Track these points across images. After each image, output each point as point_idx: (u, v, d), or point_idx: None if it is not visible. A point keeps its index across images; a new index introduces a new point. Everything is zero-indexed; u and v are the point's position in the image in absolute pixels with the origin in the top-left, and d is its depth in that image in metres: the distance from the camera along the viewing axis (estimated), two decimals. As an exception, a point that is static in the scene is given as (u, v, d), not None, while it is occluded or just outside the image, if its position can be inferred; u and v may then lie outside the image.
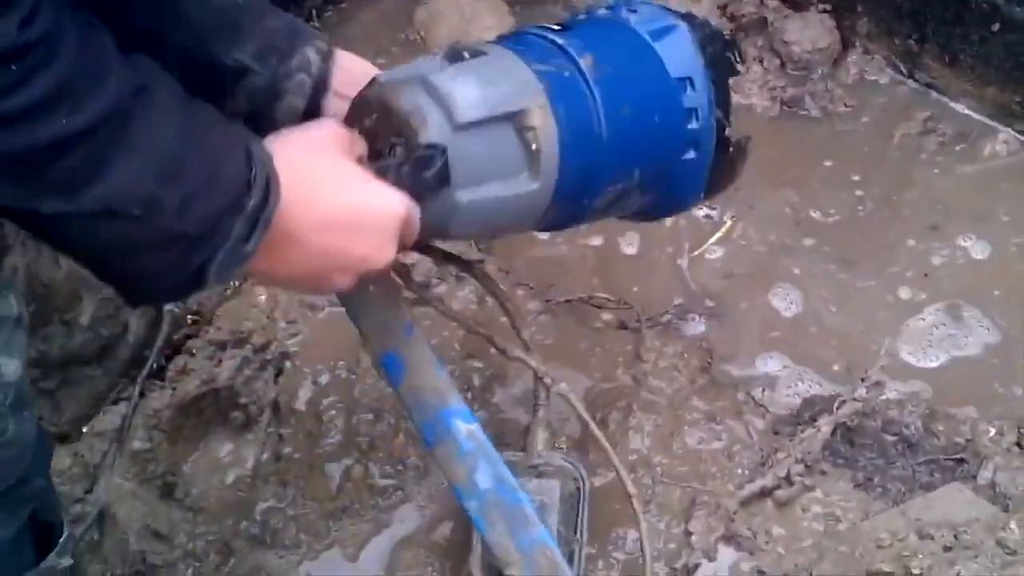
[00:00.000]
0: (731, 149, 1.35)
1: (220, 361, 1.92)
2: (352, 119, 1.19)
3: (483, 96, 1.14)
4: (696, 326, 1.97)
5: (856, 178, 2.21)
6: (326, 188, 1.06)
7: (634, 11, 1.33)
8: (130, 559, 1.72)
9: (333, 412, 1.88)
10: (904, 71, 2.40)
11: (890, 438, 1.75)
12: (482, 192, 1.16)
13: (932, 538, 1.56)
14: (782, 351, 1.92)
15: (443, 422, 1.34)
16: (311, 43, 1.23)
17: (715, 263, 2.06)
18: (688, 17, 1.34)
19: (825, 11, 2.45)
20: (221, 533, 1.77)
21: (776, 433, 1.79)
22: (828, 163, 2.26)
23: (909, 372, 1.88)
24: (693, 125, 1.31)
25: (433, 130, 1.12)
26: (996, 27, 2.18)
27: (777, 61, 2.45)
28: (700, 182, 1.37)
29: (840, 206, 2.17)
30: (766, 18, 2.50)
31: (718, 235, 2.10)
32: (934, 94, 2.36)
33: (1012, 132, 2.25)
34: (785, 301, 2.00)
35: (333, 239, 1.07)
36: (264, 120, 1.20)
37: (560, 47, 1.23)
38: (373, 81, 1.19)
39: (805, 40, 2.43)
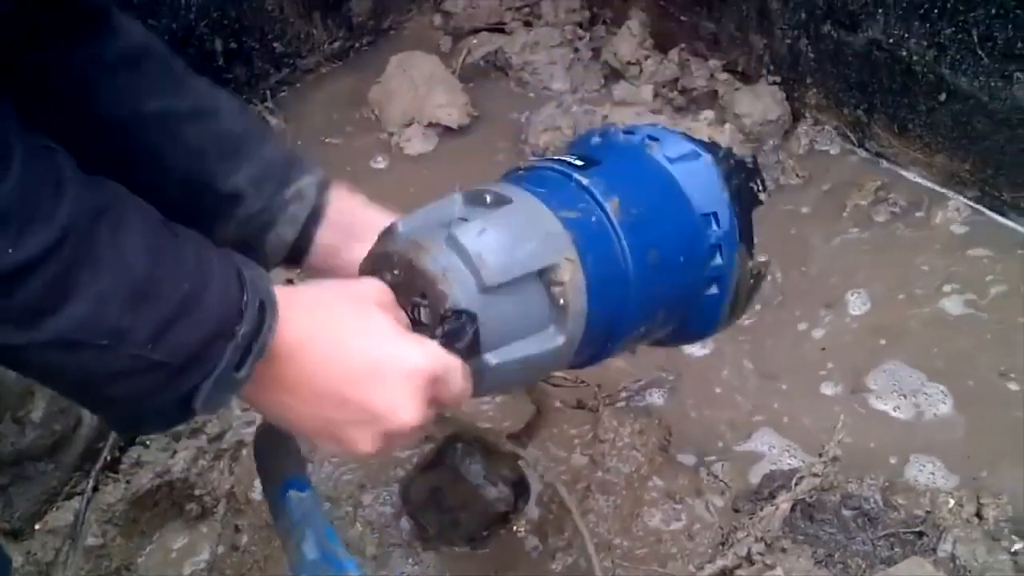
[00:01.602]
0: (752, 280, 1.33)
1: (175, 452, 1.91)
2: (371, 270, 1.15)
3: (512, 255, 1.11)
4: (655, 401, 1.96)
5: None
6: (345, 329, 1.03)
7: (656, 139, 1.30)
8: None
9: (292, 502, 1.86)
10: (854, 141, 2.42)
11: (849, 512, 1.74)
12: (509, 353, 1.13)
13: (895, 613, 1.55)
14: (740, 427, 1.92)
15: (281, 494, 1.28)
16: (309, 173, 1.23)
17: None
18: (712, 147, 1.30)
19: (775, 83, 2.48)
20: None
21: (736, 511, 1.78)
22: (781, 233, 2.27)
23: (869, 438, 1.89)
24: (717, 261, 1.28)
25: (462, 295, 1.09)
26: (943, 97, 2.20)
27: (728, 136, 2.47)
28: (719, 314, 1.34)
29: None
30: (717, 91, 2.53)
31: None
32: (884, 163, 2.38)
33: (962, 199, 2.27)
34: (739, 374, 2.01)
35: (347, 384, 1.02)
36: (251, 249, 1.18)
37: (585, 188, 1.21)
38: (392, 231, 1.16)
39: (756, 112, 2.45)
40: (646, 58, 2.66)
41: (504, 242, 1.12)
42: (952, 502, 1.75)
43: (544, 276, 1.14)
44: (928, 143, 2.29)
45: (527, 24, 2.86)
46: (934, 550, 1.68)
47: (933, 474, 1.84)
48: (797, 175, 2.40)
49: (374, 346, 1.03)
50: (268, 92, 2.73)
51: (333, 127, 2.69)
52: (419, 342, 1.06)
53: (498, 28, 2.87)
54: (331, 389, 1.01)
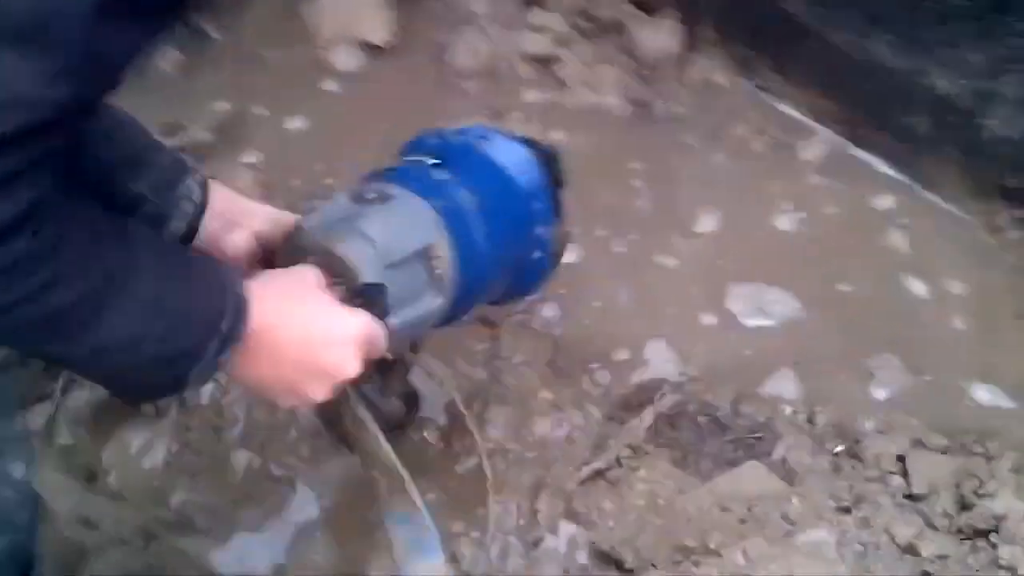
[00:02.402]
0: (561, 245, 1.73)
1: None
2: (287, 261, 1.45)
3: (404, 238, 1.47)
4: (548, 315, 2.26)
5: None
6: (299, 310, 1.34)
7: (485, 138, 1.67)
8: (65, 545, 1.98)
9: (235, 407, 2.14)
10: (742, 75, 2.70)
11: (703, 420, 2.07)
12: (405, 315, 1.47)
13: (731, 512, 1.88)
14: (618, 341, 2.23)
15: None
16: (192, 175, 1.52)
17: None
18: (529, 142, 1.69)
19: (674, 17, 2.73)
20: (142, 520, 2.01)
21: (610, 419, 2.10)
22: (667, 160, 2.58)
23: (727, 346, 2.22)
24: (540, 232, 1.68)
25: (371, 272, 1.42)
26: (818, 46, 2.49)
27: (630, 62, 2.74)
28: (542, 273, 1.75)
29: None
30: (621, 21, 2.78)
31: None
32: (766, 96, 2.67)
33: (829, 133, 2.57)
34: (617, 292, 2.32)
35: (303, 351, 1.33)
36: None
37: (443, 182, 1.56)
38: (300, 229, 1.48)
39: (655, 43, 2.71)
40: (559, -16, 2.89)
41: (397, 228, 1.47)
42: (789, 410, 2.09)
43: (425, 254, 1.50)
44: (803, 83, 2.58)
45: (451, -57, 3.06)
46: (769, 454, 2.02)
47: (778, 384, 2.15)
48: (687, 105, 2.67)
49: (321, 320, 1.36)
50: (205, 2, 2.91)
51: (268, 40, 2.88)
52: (353, 313, 1.39)
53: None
54: (292, 357, 1.34)
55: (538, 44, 2.79)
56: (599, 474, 1.99)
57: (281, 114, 2.74)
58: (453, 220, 1.53)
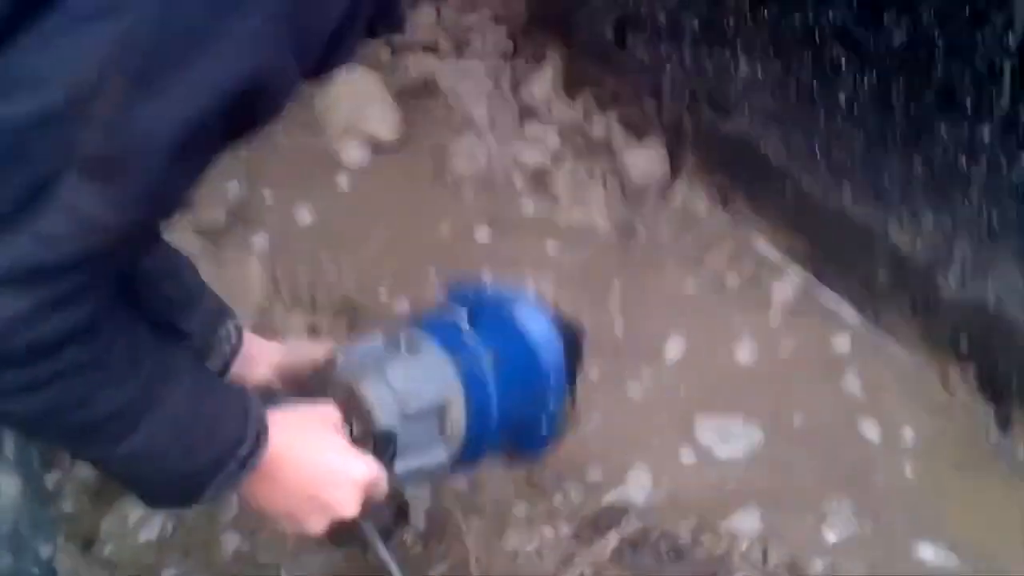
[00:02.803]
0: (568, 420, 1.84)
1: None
2: (316, 389, 1.59)
3: (423, 393, 1.59)
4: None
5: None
6: (312, 446, 1.45)
7: (520, 307, 1.75)
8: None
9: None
10: (720, 205, 2.88)
11: (664, 547, 2.23)
12: (410, 464, 1.59)
13: (683, 638, 2.06)
14: (596, 460, 2.40)
15: None
16: (231, 320, 1.67)
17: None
18: (558, 320, 1.78)
19: (660, 144, 2.92)
20: None
21: (577, 537, 2.26)
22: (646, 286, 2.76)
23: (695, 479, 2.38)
24: (551, 407, 1.75)
25: (388, 419, 1.55)
26: (789, 188, 2.68)
27: (617, 183, 2.92)
28: (544, 443, 1.83)
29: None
30: (611, 142, 2.97)
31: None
32: (741, 229, 2.85)
33: (797, 271, 2.76)
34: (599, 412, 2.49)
35: (309, 486, 1.44)
36: None
37: (470, 342, 1.67)
38: (334, 363, 1.62)
39: (641, 166, 2.90)
40: (556, 101, 3.07)
41: (419, 382, 1.60)
42: (745, 544, 2.25)
43: (440, 411, 1.62)
44: (777, 221, 2.76)
45: (458, 48, 3.24)
46: (725, 585, 2.19)
47: (737, 518, 2.30)
48: (668, 230, 2.86)
49: (332, 459, 1.48)
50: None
51: (280, 125, 3.04)
52: (362, 457, 1.51)
53: (432, 48, 3.25)
54: (299, 489, 1.46)
55: (533, 156, 2.98)
56: (564, 590, 2.15)
57: (290, 202, 2.92)
58: (472, 384, 1.65)
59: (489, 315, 1.75)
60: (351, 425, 1.56)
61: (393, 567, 1.68)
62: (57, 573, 1.55)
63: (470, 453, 1.69)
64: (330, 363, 1.64)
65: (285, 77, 1.15)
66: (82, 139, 1.04)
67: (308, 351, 1.75)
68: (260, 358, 1.72)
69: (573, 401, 1.81)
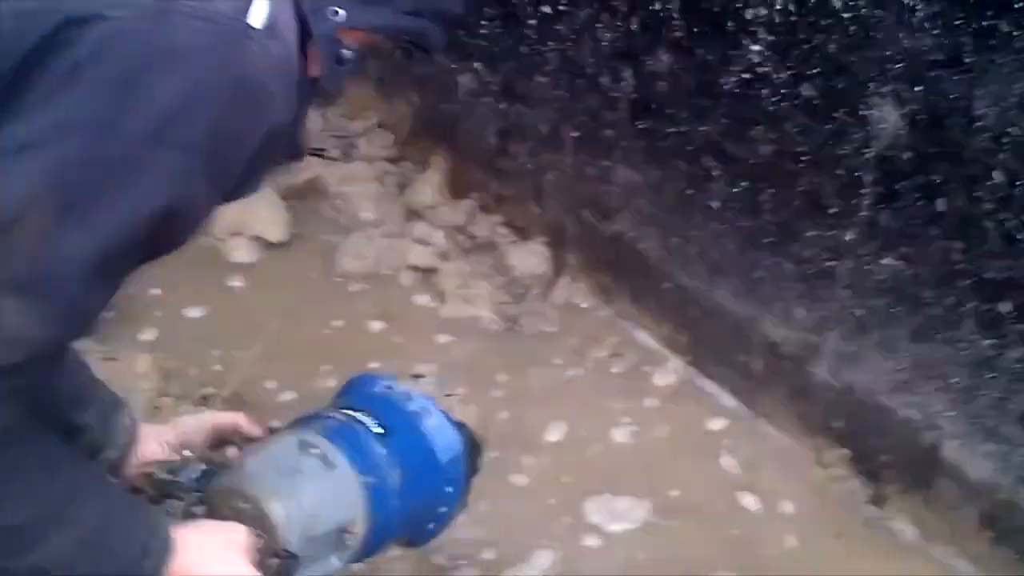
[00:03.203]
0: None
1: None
2: (223, 497, 1.60)
3: (331, 513, 1.63)
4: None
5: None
6: (213, 567, 1.47)
7: (427, 415, 1.81)
8: None
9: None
10: (603, 301, 3.02)
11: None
12: (307, 571, 1.63)
13: None
14: (489, 543, 2.46)
15: None
16: (125, 411, 1.71)
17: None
18: (462, 428, 1.85)
19: (543, 243, 3.05)
20: None
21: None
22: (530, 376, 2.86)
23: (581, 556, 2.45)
24: (443, 510, 1.83)
25: (294, 540, 1.58)
26: (668, 285, 2.82)
27: (502, 280, 3.04)
28: (425, 540, 1.90)
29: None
30: (495, 242, 3.09)
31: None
32: (624, 322, 2.99)
33: (680, 361, 2.89)
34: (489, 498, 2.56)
35: None
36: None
37: (381, 457, 1.71)
38: (243, 468, 1.63)
39: (525, 265, 3.03)
40: (442, 204, 3.19)
41: (328, 506, 1.64)
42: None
43: (343, 528, 1.66)
44: (657, 315, 2.91)
45: (345, 152, 3.35)
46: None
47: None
48: (553, 324, 2.97)
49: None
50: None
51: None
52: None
53: (318, 153, 3.33)
54: None
55: (420, 256, 3.08)
56: None
57: (178, 299, 2.96)
58: (377, 501, 1.70)
59: (399, 430, 1.81)
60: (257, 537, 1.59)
61: None
62: None
63: (363, 555, 1.76)
64: (240, 467, 1.66)
65: (200, 204, 1.24)
66: (6, 263, 1.12)
67: (196, 421, 1.79)
68: (153, 438, 1.75)
69: (464, 502, 1.89)
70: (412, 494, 1.77)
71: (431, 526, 1.87)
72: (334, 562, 1.70)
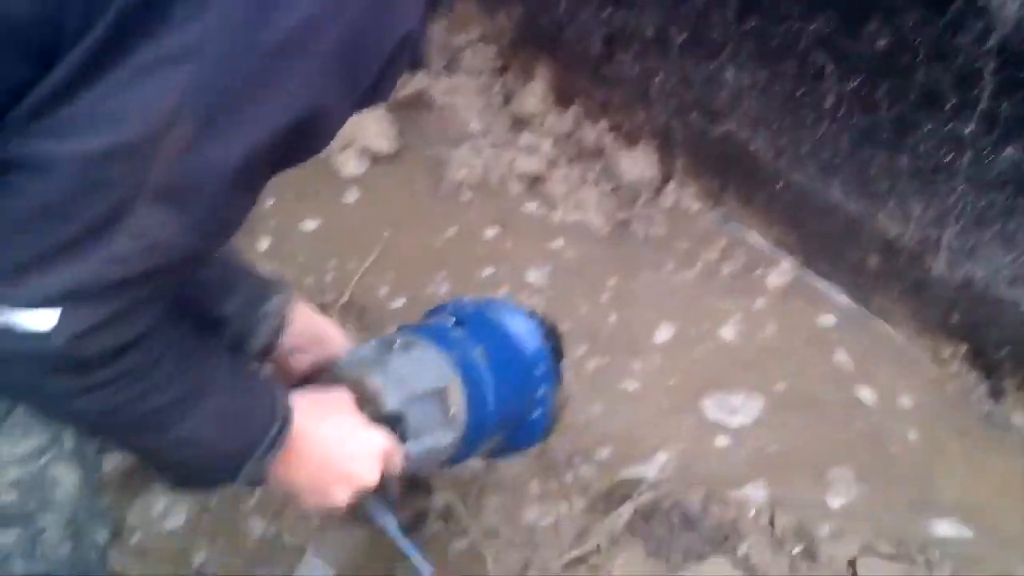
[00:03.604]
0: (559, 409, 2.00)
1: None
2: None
3: (423, 378, 1.71)
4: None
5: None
6: (332, 424, 1.57)
7: (498, 309, 1.94)
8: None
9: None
10: (711, 204, 3.00)
11: (676, 516, 2.31)
12: (420, 444, 1.71)
13: (696, 601, 2.13)
14: (606, 439, 2.49)
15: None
16: (277, 295, 1.77)
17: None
18: (534, 315, 1.95)
19: (651, 147, 3.04)
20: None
21: (592, 511, 2.34)
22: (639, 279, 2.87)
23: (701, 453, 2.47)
24: (540, 393, 1.92)
25: (394, 403, 1.66)
26: (780, 185, 2.79)
27: (611, 186, 3.03)
28: (539, 433, 1.98)
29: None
30: (603, 148, 3.08)
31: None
32: (733, 225, 2.98)
33: (791, 262, 2.87)
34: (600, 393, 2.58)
35: (331, 459, 1.56)
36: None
37: (460, 339, 1.81)
38: (338, 364, 1.73)
39: (633, 171, 3.01)
40: (547, 112, 3.19)
41: (418, 370, 1.73)
42: (753, 512, 2.34)
43: (441, 395, 1.74)
44: (768, 216, 2.88)
45: (449, 65, 3.36)
46: (734, 551, 2.27)
47: (745, 488, 2.39)
48: (662, 228, 2.97)
49: (349, 434, 1.60)
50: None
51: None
52: (378, 431, 1.63)
53: (425, 65, 3.35)
54: (322, 463, 1.57)
55: (528, 165, 3.08)
56: (580, 560, 2.22)
57: (292, 213, 3.02)
58: (466, 371, 1.79)
59: (472, 318, 1.90)
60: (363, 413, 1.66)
61: (404, 543, 1.77)
62: (108, 559, 1.62)
63: (473, 437, 1.81)
64: (334, 365, 1.75)
65: (335, 112, 1.28)
66: (154, 171, 1.16)
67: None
68: (308, 348, 1.82)
69: (560, 387, 1.97)
70: (500, 372, 1.83)
71: (536, 414, 1.93)
72: (446, 435, 1.76)
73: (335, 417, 1.60)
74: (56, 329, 1.17)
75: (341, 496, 1.60)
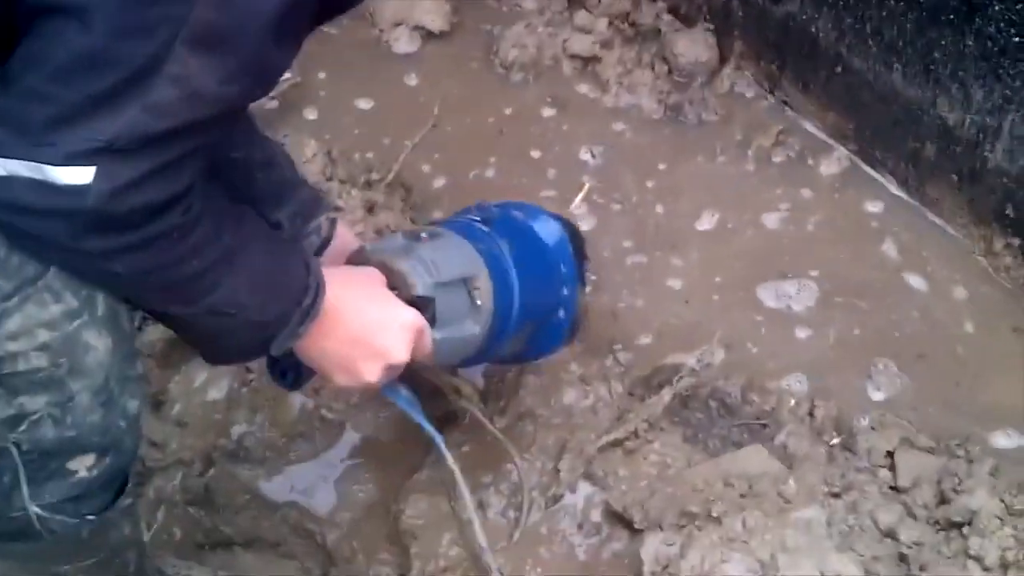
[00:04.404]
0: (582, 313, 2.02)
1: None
2: None
3: (451, 264, 1.71)
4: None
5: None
6: (363, 297, 1.58)
7: (521, 210, 1.95)
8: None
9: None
10: (767, 89, 2.93)
11: (714, 403, 2.30)
12: (447, 332, 1.71)
13: (733, 487, 2.10)
14: (646, 325, 2.48)
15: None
16: (325, 212, 1.79)
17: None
18: (558, 217, 1.97)
19: (708, 30, 2.96)
20: (204, 446, 2.26)
21: (631, 395, 2.33)
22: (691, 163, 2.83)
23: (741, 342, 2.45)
24: (564, 292, 1.94)
25: (423, 286, 1.67)
26: (839, 69, 2.71)
27: (665, 69, 2.97)
28: (562, 335, 2.01)
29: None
30: (660, 29, 3.01)
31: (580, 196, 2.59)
32: (788, 111, 2.90)
33: (844, 151, 2.80)
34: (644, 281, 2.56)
35: (363, 333, 1.56)
36: None
37: (487, 233, 1.83)
38: (362, 251, 1.74)
39: (690, 53, 2.94)
40: (604, -11, 3.11)
41: (446, 257, 1.74)
42: (793, 402, 2.32)
43: (468, 284, 1.76)
44: (824, 102, 2.80)
45: (505, -58, 3.28)
46: (772, 439, 2.25)
47: (785, 377, 2.37)
48: (716, 113, 2.91)
49: (381, 307, 1.61)
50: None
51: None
52: (408, 307, 1.63)
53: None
54: (354, 335, 1.57)
55: (582, 44, 3.01)
56: (617, 443, 2.21)
57: (343, 87, 2.99)
58: (492, 262, 1.80)
59: (496, 217, 1.92)
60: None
61: (429, 428, 1.84)
62: (141, 428, 1.63)
63: (498, 330, 1.82)
64: (361, 250, 1.77)
65: None
66: (193, 13, 1.13)
67: None
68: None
69: (583, 289, 2.01)
70: (526, 268, 1.85)
71: (560, 314, 1.95)
72: (472, 326, 1.77)
73: (367, 290, 1.61)
74: (94, 183, 1.16)
75: (371, 372, 1.60)
